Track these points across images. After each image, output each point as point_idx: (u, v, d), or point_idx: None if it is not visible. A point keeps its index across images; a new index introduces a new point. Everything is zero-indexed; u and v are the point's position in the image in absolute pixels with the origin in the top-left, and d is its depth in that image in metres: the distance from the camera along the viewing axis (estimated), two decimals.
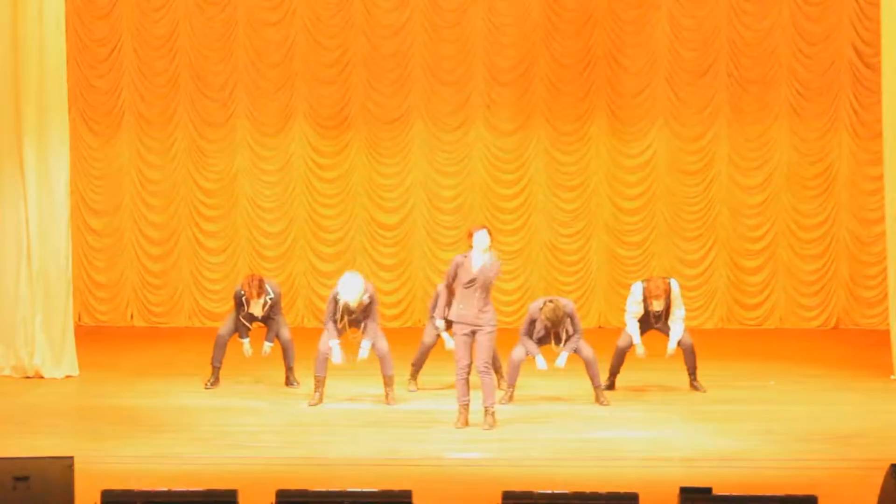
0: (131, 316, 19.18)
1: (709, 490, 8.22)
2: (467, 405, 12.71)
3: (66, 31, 15.53)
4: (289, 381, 14.43)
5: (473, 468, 11.39)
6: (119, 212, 19.09)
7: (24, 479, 8.39)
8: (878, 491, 8.58)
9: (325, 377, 13.58)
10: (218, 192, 19.07)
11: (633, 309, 14.07)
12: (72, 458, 8.63)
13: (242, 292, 14.15)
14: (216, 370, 14.40)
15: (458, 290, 12.59)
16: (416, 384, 14.39)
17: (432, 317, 14.04)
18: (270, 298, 14.23)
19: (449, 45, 18.81)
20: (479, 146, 18.91)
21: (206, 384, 14.41)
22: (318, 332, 18.44)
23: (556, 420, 13.14)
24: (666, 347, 14.06)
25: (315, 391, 13.58)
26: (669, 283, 13.95)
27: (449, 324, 13.55)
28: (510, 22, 18.72)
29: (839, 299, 18.85)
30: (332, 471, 11.20)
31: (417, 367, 14.39)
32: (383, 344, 13.57)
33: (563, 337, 13.53)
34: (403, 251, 18.95)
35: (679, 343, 13.97)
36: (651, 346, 14.21)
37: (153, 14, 18.81)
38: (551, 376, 14.78)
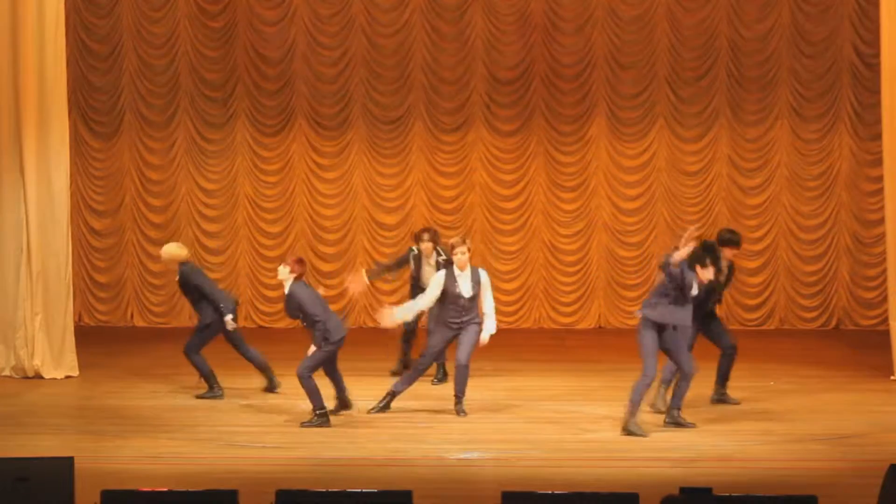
0: (131, 316, 19.19)
1: (709, 490, 8.22)
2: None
3: (66, 30, 15.55)
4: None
5: (473, 468, 11.40)
6: (119, 212, 19.10)
7: (24, 479, 8.39)
8: (877, 491, 8.58)
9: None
10: (218, 192, 19.08)
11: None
12: (72, 458, 8.64)
13: None
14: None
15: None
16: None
17: None
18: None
19: (449, 44, 18.82)
20: (479, 146, 18.92)
21: None
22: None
23: (556, 420, 13.15)
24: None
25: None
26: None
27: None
28: (510, 22, 18.73)
29: (839, 300, 18.85)
30: (332, 471, 11.20)
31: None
32: None
33: None
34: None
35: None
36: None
37: (153, 14, 18.81)
38: (550, 377, 14.85)
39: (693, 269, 12.32)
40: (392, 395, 13.38)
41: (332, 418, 12.86)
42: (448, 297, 13.16)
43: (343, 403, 13.14)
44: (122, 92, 18.93)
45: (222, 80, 18.92)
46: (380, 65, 18.85)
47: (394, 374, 14.78)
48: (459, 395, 13.26)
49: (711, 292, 13.24)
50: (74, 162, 17.95)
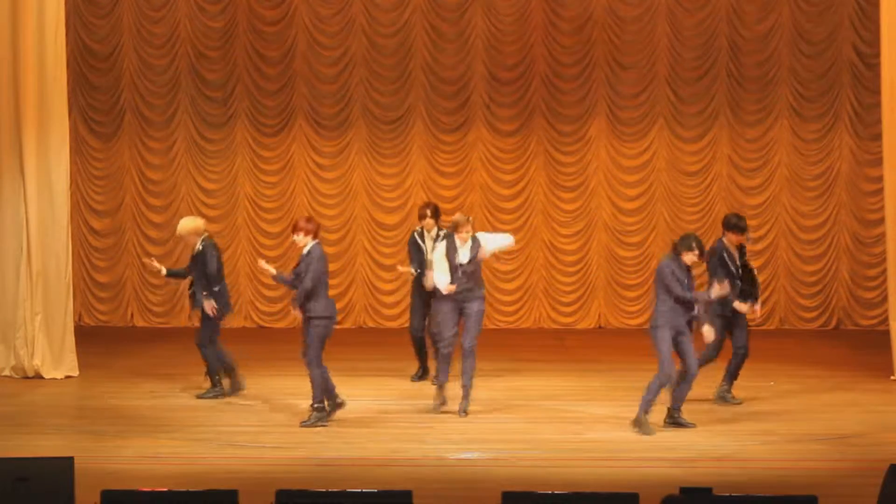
0: (131, 316, 19.19)
1: (709, 490, 8.22)
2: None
3: (67, 30, 15.55)
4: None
5: (473, 468, 11.39)
6: (119, 212, 19.10)
7: (24, 479, 8.39)
8: (877, 491, 8.58)
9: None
10: (218, 192, 19.08)
11: None
12: (72, 458, 8.64)
13: None
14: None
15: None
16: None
17: None
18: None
19: (449, 44, 18.82)
20: (479, 146, 18.92)
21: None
22: None
23: (556, 420, 13.15)
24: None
25: None
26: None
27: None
28: (510, 22, 18.73)
29: (839, 300, 18.85)
30: (332, 471, 11.21)
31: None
32: None
33: None
34: (403, 251, 18.88)
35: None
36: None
37: (153, 14, 18.81)
38: (550, 377, 14.80)
39: (680, 254, 12.48)
40: (440, 387, 13.45)
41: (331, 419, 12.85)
42: (449, 266, 13.32)
43: (333, 404, 13.06)
44: (122, 92, 18.93)
45: (222, 80, 18.92)
46: (380, 65, 18.85)
47: (414, 380, 14.85)
48: (467, 387, 13.24)
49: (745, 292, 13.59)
50: (74, 162, 17.96)
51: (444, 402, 13.40)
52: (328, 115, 18.94)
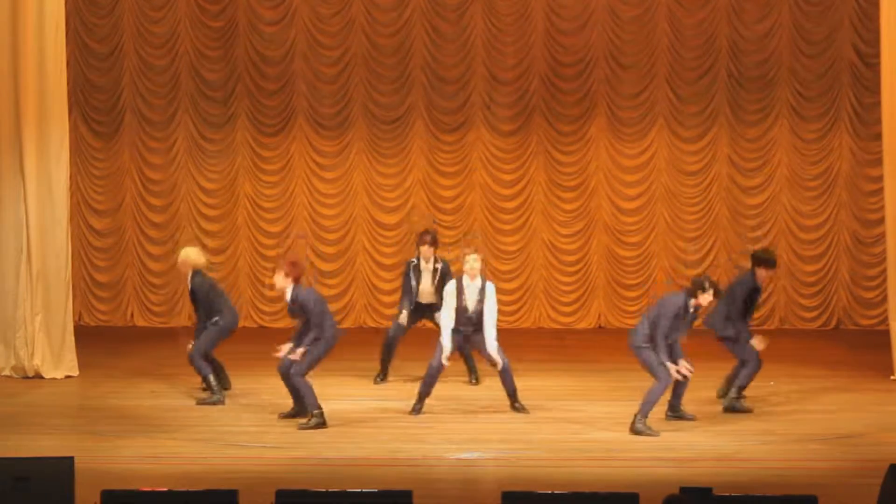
0: (131, 316, 19.18)
1: (709, 490, 8.23)
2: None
3: (67, 30, 15.55)
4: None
5: (473, 468, 11.40)
6: (120, 211, 19.09)
7: (24, 479, 8.39)
8: (878, 491, 8.59)
9: None
10: (218, 192, 19.07)
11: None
12: (72, 458, 8.64)
13: None
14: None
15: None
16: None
17: None
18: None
19: (449, 44, 18.81)
20: (479, 146, 18.91)
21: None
22: None
23: (556, 420, 13.15)
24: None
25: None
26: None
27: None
28: (510, 21, 18.72)
29: (839, 300, 18.85)
30: (332, 471, 11.22)
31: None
32: None
33: None
34: (403, 251, 18.92)
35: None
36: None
37: (153, 14, 18.80)
38: (550, 377, 14.81)
39: (694, 295, 12.42)
40: (423, 398, 13.35)
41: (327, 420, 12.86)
42: (457, 307, 13.24)
43: (301, 410, 12.99)
44: (122, 91, 18.92)
45: (222, 80, 18.91)
46: (380, 65, 18.84)
47: (377, 382, 14.81)
48: (514, 392, 13.37)
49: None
50: (74, 162, 17.95)
51: (420, 410, 13.30)
52: (328, 115, 18.93)
